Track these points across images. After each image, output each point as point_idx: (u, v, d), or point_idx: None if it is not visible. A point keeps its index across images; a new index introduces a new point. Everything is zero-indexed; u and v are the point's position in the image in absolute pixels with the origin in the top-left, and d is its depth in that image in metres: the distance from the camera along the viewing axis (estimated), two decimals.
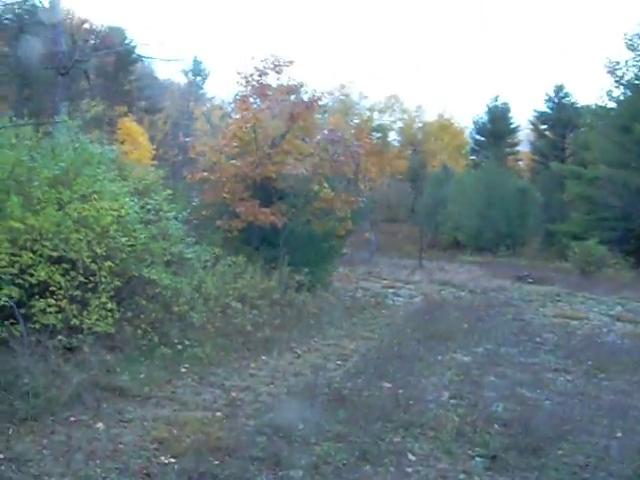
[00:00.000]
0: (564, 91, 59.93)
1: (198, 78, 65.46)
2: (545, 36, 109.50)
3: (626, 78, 36.54)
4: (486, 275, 30.28)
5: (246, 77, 19.62)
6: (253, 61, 19.67)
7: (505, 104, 66.02)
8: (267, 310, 13.48)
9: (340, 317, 15.31)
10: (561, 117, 58.00)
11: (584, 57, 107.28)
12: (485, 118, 66.68)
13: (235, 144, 19.66)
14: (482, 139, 66.87)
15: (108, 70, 46.76)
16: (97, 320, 9.21)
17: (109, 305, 9.46)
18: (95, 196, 10.01)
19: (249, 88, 19.59)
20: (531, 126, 64.27)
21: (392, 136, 70.92)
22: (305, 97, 19.93)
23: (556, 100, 59.95)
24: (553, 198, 45.03)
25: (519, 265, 35.58)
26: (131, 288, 10.76)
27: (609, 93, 36.88)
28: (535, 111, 61.95)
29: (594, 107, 39.90)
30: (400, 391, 8.57)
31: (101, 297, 9.44)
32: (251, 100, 19.82)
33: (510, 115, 66.41)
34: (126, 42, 45.92)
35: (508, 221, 41.89)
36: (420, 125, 69.78)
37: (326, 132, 20.22)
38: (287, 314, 14.09)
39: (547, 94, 60.50)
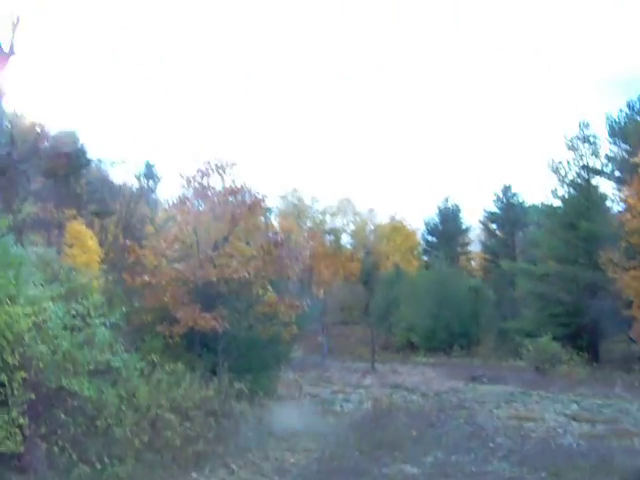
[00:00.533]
0: (512, 191, 61.25)
1: (150, 182, 65.45)
2: (493, 137, 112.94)
3: (569, 177, 37.51)
4: (440, 376, 29.62)
5: (187, 178, 19.36)
6: (196, 162, 19.46)
7: (455, 205, 67.39)
8: (202, 421, 12.56)
9: (283, 427, 14.44)
10: (510, 216, 59.11)
11: (530, 157, 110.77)
12: (436, 219, 67.81)
13: (177, 247, 19.21)
14: (434, 240, 67.79)
15: (59, 173, 46.40)
16: (4, 438, 8.35)
17: (20, 420, 8.62)
18: (8, 300, 9.30)
19: (191, 190, 19.23)
20: (481, 226, 65.19)
21: (345, 239, 71.50)
22: (248, 199, 19.67)
23: (504, 200, 61.15)
24: (505, 296, 45.16)
25: (473, 365, 35.05)
26: (49, 400, 9.87)
27: (554, 192, 37.75)
28: (485, 211, 62.99)
29: (540, 206, 40.71)
30: None
31: (11, 412, 8.61)
32: (194, 202, 19.42)
33: (460, 215, 67.66)
34: (78, 145, 46.21)
35: (461, 320, 41.64)
36: (372, 227, 70.53)
37: (270, 235, 19.67)
38: (224, 425, 13.19)
39: (496, 194, 61.72)
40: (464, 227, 67.31)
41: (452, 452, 12.47)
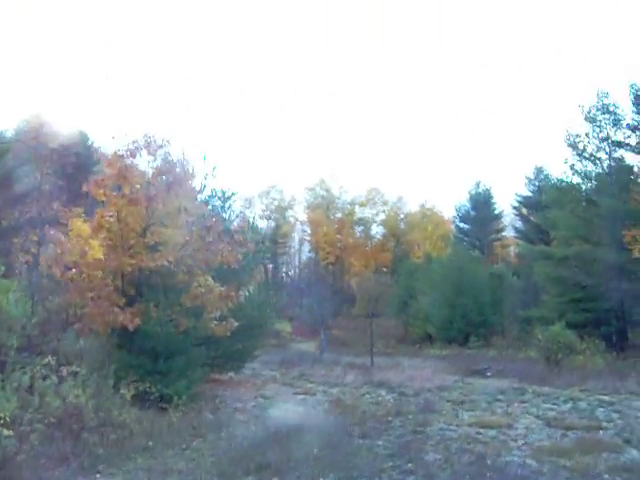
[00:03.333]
0: (544, 173, 56.86)
1: None
2: (523, 119, 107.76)
3: (588, 151, 33.40)
4: (439, 371, 26.35)
5: (109, 160, 16.65)
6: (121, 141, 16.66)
7: (487, 190, 63.28)
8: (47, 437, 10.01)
9: (170, 442, 11.63)
10: (542, 199, 54.80)
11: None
12: (468, 205, 63.75)
13: (103, 236, 16.55)
14: (466, 226, 63.78)
15: (68, 172, 44.94)
16: None
17: None
18: None
19: (115, 172, 16.43)
20: (514, 210, 61.01)
21: (375, 229, 68.33)
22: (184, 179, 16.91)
23: (536, 182, 56.82)
24: (529, 283, 41.22)
25: (485, 357, 31.50)
26: None
27: (572, 167, 33.65)
28: (517, 195, 58.76)
29: (556, 182, 36.65)
30: None
31: None
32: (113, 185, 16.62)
33: (493, 201, 63.56)
34: (87, 144, 44.74)
35: (479, 309, 37.89)
36: (402, 216, 67.03)
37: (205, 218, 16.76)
38: (88, 441, 10.60)
39: (527, 177, 57.46)
40: (496, 212, 63.06)
41: (354, 476, 9.44)
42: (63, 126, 37.57)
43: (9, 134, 40.38)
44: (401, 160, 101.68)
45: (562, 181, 35.03)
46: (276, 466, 9.86)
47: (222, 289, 16.44)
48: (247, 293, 21.66)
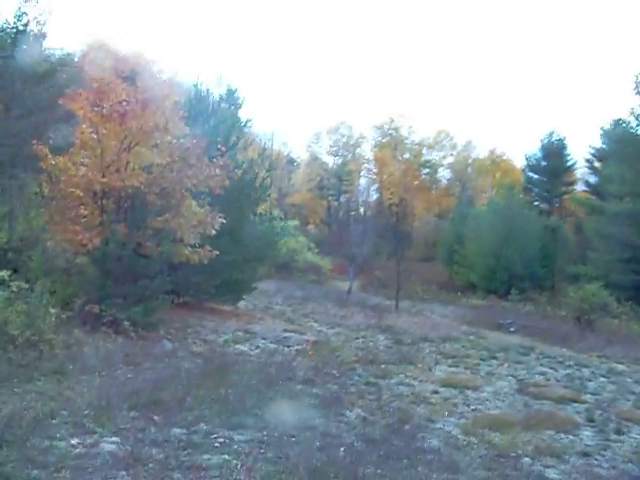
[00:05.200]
0: (622, 125, 52.54)
1: None
2: (601, 67, 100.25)
3: None
4: (462, 321, 24.74)
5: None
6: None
7: (561, 140, 59.09)
8: None
9: (91, 367, 10.69)
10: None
11: None
12: (539, 155, 59.92)
13: (85, 153, 15.55)
14: (536, 177, 60.14)
15: None
16: None
17: None
18: None
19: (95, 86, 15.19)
20: (587, 163, 56.97)
21: (441, 172, 65.56)
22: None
23: (613, 135, 52.58)
24: (583, 238, 38.26)
25: (520, 311, 29.37)
26: None
27: (634, 113, 30.21)
28: (591, 147, 54.65)
29: (609, 129, 33.19)
30: None
31: None
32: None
33: (566, 152, 59.49)
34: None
35: (525, 262, 35.33)
36: (470, 161, 63.90)
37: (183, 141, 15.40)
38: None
39: (602, 129, 53.22)
40: (569, 164, 59.05)
41: (239, 424, 8.23)
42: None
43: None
44: (473, 103, 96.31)
45: (626, 130, 31.69)
46: (168, 404, 8.75)
47: (204, 215, 15.30)
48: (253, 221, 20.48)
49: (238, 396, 9.64)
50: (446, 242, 42.56)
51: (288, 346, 15.74)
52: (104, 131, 14.68)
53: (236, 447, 7.28)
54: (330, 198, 67.97)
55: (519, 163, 62.26)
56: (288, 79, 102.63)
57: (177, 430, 7.67)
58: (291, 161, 71.49)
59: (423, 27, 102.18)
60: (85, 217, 15.08)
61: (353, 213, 70.00)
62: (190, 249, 15.31)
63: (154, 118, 14.55)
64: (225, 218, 17.94)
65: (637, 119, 30.47)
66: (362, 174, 69.40)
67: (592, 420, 10.17)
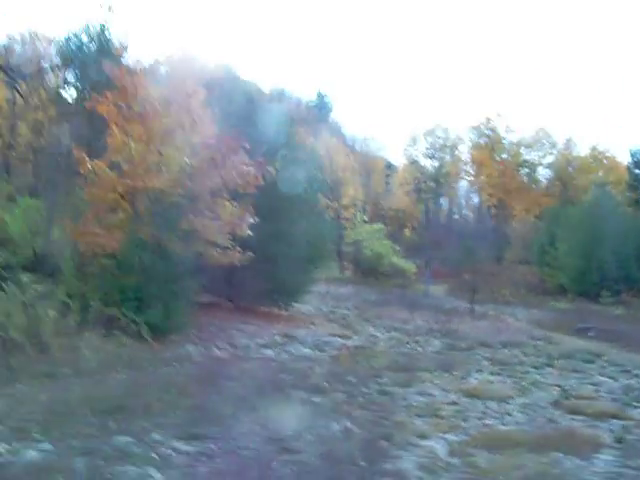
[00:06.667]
0: None
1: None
2: None
3: None
4: (540, 325, 22.85)
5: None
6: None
7: None
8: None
9: (89, 371, 10.27)
10: None
11: None
12: None
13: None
14: None
15: None
16: None
17: None
18: None
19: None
20: None
21: (541, 172, 62.05)
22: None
23: None
24: None
25: (609, 315, 26.84)
26: None
27: None
28: None
29: None
30: None
31: None
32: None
33: None
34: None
35: (620, 262, 32.32)
36: (571, 159, 60.07)
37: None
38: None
39: None
40: None
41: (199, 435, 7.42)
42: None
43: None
44: (573, 99, 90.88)
45: None
46: (134, 411, 8.08)
47: (231, 215, 14.63)
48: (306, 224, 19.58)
49: (218, 404, 8.87)
50: (538, 243, 39.90)
51: (323, 351, 14.76)
52: (129, 132, 14.34)
53: (172, 460, 6.54)
54: (428, 201, 66.09)
55: (624, 159, 57.94)
56: (385, 83, 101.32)
57: (121, 438, 6.99)
58: (389, 166, 70.10)
59: (517, 25, 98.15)
60: (102, 219, 14.76)
61: (456, 217, 67.87)
62: (219, 250, 14.64)
63: (178, 117, 14.03)
64: (272, 219, 17.34)
65: None
66: (460, 176, 67.09)
67: (620, 441, 8.53)
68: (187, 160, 14.21)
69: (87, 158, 14.73)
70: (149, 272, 13.36)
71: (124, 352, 11.71)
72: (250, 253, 15.08)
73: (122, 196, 14.66)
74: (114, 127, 14.34)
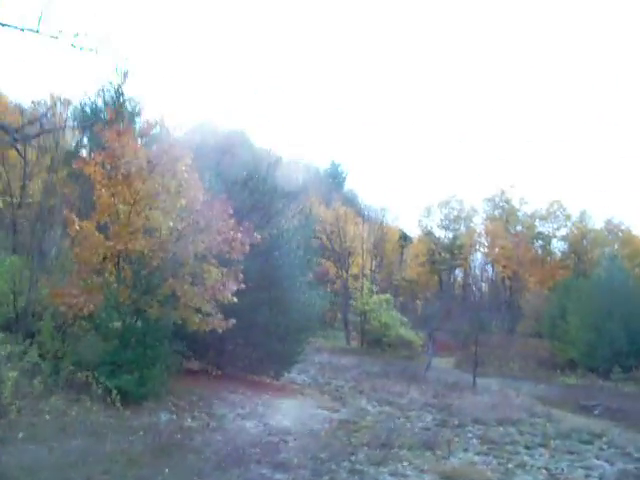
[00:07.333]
0: None
1: None
2: None
3: None
4: (544, 402, 21.72)
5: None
6: None
7: None
8: None
9: (44, 438, 9.69)
10: None
11: None
12: None
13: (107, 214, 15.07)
14: None
15: None
16: None
17: None
18: None
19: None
20: None
21: (555, 244, 61.37)
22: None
23: None
24: None
25: (619, 393, 25.69)
26: None
27: None
28: None
29: None
30: None
31: None
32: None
33: None
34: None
35: (632, 338, 31.20)
36: (585, 232, 59.43)
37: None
38: None
39: None
40: None
41: None
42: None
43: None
44: (587, 171, 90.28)
45: None
46: None
47: (216, 281, 14.23)
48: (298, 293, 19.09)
49: (167, 477, 8.29)
50: (549, 316, 38.91)
51: (304, 424, 14.03)
52: (113, 193, 14.21)
53: None
54: (442, 272, 65.44)
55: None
56: (401, 155, 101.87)
57: None
58: (404, 237, 69.83)
59: (533, 97, 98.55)
60: (85, 280, 14.46)
61: (473, 287, 66.94)
62: (201, 316, 14.18)
63: (162, 180, 13.86)
64: (264, 286, 16.93)
65: None
66: (475, 248, 66.58)
67: None
68: (171, 224, 13.94)
69: (76, 219, 14.66)
70: (126, 336, 12.96)
71: (89, 418, 11.19)
72: (233, 320, 14.56)
73: (106, 258, 14.43)
74: (101, 188, 14.25)
